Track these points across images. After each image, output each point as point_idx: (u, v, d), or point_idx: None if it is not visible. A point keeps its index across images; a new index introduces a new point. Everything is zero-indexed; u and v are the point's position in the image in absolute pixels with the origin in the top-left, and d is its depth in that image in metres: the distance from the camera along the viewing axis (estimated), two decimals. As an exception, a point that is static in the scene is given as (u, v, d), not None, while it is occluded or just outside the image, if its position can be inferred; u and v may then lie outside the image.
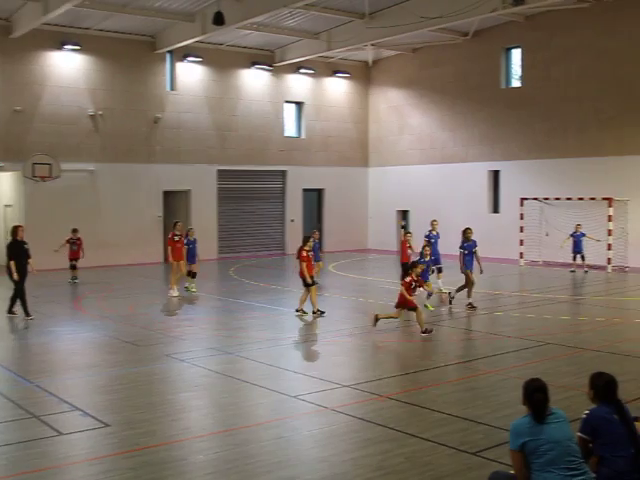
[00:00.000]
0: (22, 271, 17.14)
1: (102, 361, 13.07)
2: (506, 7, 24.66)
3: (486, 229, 31.43)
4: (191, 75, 31.95)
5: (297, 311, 17.79)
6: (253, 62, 33.57)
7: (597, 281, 24.43)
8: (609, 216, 26.82)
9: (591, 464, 6.16)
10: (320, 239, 27.99)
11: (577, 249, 26.47)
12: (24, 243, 17.41)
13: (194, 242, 22.15)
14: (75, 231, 24.45)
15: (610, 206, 26.85)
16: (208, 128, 32.44)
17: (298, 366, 12.69)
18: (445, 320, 17.25)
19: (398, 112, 36.26)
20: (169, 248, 21.43)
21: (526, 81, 30.84)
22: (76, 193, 28.65)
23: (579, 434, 6.25)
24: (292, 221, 35.02)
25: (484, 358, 13.06)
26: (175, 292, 20.94)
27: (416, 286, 15.64)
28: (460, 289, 18.99)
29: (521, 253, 29.46)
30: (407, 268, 17.04)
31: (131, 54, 30.14)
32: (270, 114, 34.36)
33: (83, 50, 28.97)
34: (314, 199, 36.35)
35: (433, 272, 20.87)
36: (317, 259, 23.25)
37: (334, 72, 36.17)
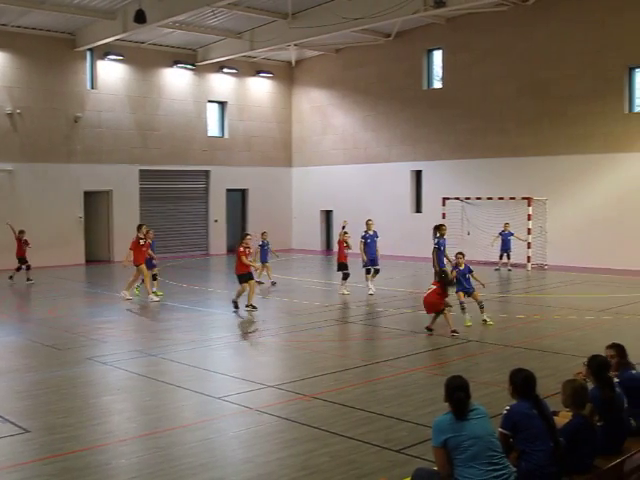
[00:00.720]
0: None
1: (21, 365, 12.79)
2: (427, 9, 24.96)
3: (409, 229, 31.88)
4: (112, 73, 31.51)
5: (247, 307, 18.05)
6: (175, 61, 33.29)
7: (517, 279, 24.92)
8: (528, 215, 27.39)
9: (512, 459, 6.28)
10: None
11: (505, 248, 26.99)
12: None
13: (153, 244, 21.58)
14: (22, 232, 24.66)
15: (529, 205, 27.42)
16: (130, 127, 32.05)
17: (223, 367, 12.62)
18: (369, 319, 17.36)
19: (321, 112, 36.38)
20: (131, 252, 20.24)
21: (447, 82, 31.28)
22: (-7, 193, 28.04)
23: (500, 429, 6.35)
24: (216, 221, 34.85)
25: (407, 356, 13.19)
26: (155, 297, 20.11)
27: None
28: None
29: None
30: (442, 277, 15.77)
31: (50, 52, 29.58)
32: (193, 114, 34.13)
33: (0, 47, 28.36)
34: (238, 199, 36.23)
35: (369, 273, 21.03)
36: (264, 260, 23.08)
37: (257, 72, 36.10)
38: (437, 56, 31.95)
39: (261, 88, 36.67)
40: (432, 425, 6.21)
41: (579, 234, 27.05)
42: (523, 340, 14.42)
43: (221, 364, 12.96)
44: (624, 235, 26.00)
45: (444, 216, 29.82)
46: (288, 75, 37.53)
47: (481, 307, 16.23)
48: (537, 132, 28.26)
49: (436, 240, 19.93)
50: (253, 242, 19.82)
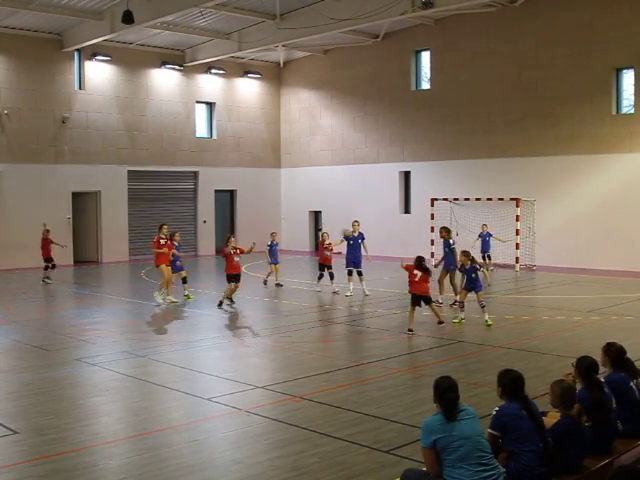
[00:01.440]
0: None
1: (10, 367, 12.74)
2: (415, 10, 25.01)
3: (397, 229, 31.94)
4: (100, 74, 31.43)
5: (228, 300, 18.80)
6: (163, 62, 33.23)
7: (506, 279, 24.96)
8: (517, 216, 27.47)
9: (500, 459, 6.29)
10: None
11: (484, 249, 27.02)
12: None
13: (178, 247, 20.87)
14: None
15: (517, 206, 27.49)
16: (118, 128, 31.98)
17: (211, 368, 12.60)
18: (357, 320, 17.37)
19: (310, 113, 36.39)
20: (161, 252, 19.65)
21: (435, 83, 31.34)
22: (-19, 194, 27.91)
23: (489, 430, 6.37)
24: (204, 222, 34.80)
25: (396, 357, 13.20)
26: (174, 299, 19.64)
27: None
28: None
29: (432, 253, 29.84)
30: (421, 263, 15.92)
31: (38, 52, 29.48)
32: (181, 114, 34.08)
33: (-14, 48, 28.29)
34: (226, 200, 36.19)
35: (351, 274, 21.08)
36: (275, 262, 22.94)
37: (245, 73, 36.08)
38: (425, 57, 32.01)
39: (249, 89, 36.65)
40: (422, 426, 6.22)
41: (567, 235, 27.14)
42: (512, 341, 14.45)
43: (210, 365, 12.94)
44: (612, 236, 26.09)
45: (433, 217, 29.87)
46: (276, 76, 37.52)
47: (482, 307, 16.32)
48: (525, 133, 28.35)
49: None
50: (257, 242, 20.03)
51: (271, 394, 10.71)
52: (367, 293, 20.83)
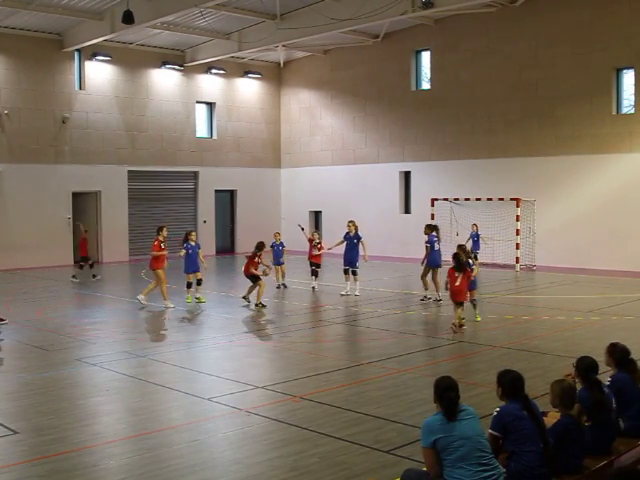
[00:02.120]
0: None
1: (10, 367, 12.74)
2: (416, 10, 25.00)
3: (398, 229, 31.94)
4: (100, 74, 31.42)
5: (256, 305, 18.69)
6: (163, 62, 33.23)
7: (506, 280, 24.96)
8: (517, 216, 27.47)
9: (501, 459, 6.29)
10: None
11: (473, 249, 27.14)
12: None
13: (197, 247, 20.12)
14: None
15: (518, 206, 27.50)
16: (118, 128, 31.98)
17: (211, 368, 12.60)
18: (357, 320, 17.37)
19: (310, 113, 36.39)
20: (153, 255, 19.10)
21: (435, 83, 31.33)
22: (-19, 194, 27.93)
23: (490, 431, 6.37)
24: (204, 222, 34.78)
25: (396, 357, 13.20)
26: (170, 303, 19.02)
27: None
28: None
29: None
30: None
31: (38, 52, 29.48)
32: (181, 114, 34.08)
33: (-14, 48, 28.29)
34: (226, 200, 36.19)
35: (347, 273, 21.11)
36: (278, 263, 22.82)
37: (245, 73, 36.07)
38: (425, 57, 32.00)
39: (249, 89, 36.65)
40: (422, 426, 6.21)
41: (567, 235, 27.14)
42: (512, 341, 14.45)
43: (210, 365, 12.94)
44: (612, 236, 26.09)
45: (433, 217, 29.88)
46: (276, 76, 37.51)
47: (474, 305, 16.46)
48: (525, 133, 28.35)
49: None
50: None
51: (271, 394, 10.71)
52: (357, 294, 20.75)
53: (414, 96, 32.15)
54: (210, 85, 35.08)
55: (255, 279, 19.02)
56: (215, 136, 35.48)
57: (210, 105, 35.48)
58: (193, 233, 20.55)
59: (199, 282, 20.09)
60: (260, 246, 19.25)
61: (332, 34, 29.20)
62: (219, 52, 32.29)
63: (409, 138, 32.19)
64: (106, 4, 26.45)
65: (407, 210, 32.75)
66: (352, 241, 21.39)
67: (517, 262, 27.40)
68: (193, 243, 20.00)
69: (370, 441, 8.55)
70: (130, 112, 32.35)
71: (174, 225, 34.08)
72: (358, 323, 16.86)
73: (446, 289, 16.09)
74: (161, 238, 19.14)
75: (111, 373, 12.05)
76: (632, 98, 26.22)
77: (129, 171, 32.24)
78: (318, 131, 36.01)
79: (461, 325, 15.42)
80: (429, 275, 19.90)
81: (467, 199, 29.42)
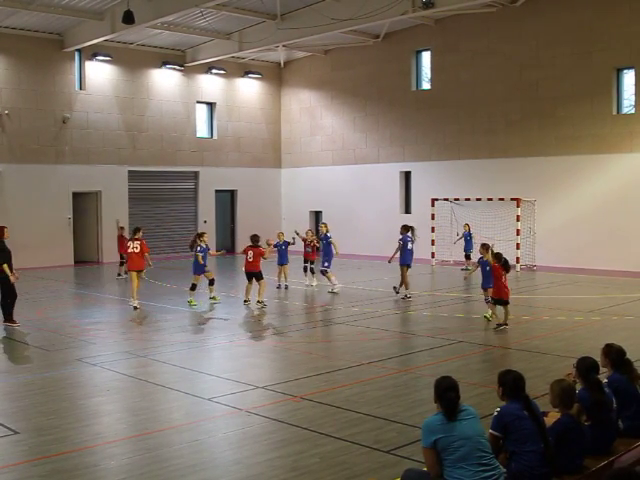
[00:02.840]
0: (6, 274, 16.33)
1: (10, 367, 12.76)
2: (416, 10, 25.01)
3: (398, 229, 31.80)
4: (100, 74, 31.42)
5: (258, 302, 18.98)
6: (164, 62, 33.23)
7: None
8: (517, 216, 27.46)
9: (501, 459, 6.29)
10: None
11: (466, 248, 27.26)
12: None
13: (207, 249, 19.97)
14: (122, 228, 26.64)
15: (518, 206, 27.48)
16: (118, 128, 31.98)
17: (212, 368, 12.61)
18: (357, 320, 17.36)
19: (310, 113, 36.39)
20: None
21: (436, 83, 31.33)
22: (-19, 194, 27.93)
23: (491, 431, 6.37)
24: (205, 222, 34.78)
25: (397, 357, 13.21)
26: (136, 302, 18.86)
27: None
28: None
29: (433, 253, 29.91)
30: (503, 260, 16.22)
31: (38, 52, 29.48)
32: (181, 114, 34.08)
33: (-13, 48, 28.30)
34: (227, 200, 36.19)
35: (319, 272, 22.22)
36: (282, 262, 22.76)
37: (246, 73, 36.07)
38: (426, 57, 31.99)
39: (250, 89, 36.65)
40: (422, 426, 6.22)
41: (568, 235, 27.14)
42: (512, 341, 14.46)
43: (210, 365, 12.95)
44: (612, 236, 26.09)
45: (433, 217, 29.90)
46: (277, 76, 37.52)
47: (487, 302, 16.79)
48: (525, 133, 28.35)
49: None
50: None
51: (271, 394, 10.72)
52: (314, 286, 22.39)
53: (414, 96, 32.14)
54: (210, 85, 35.09)
55: (258, 277, 19.15)
56: (215, 136, 35.48)
57: (210, 105, 35.48)
58: (205, 235, 20.44)
59: (212, 282, 20.05)
60: (255, 239, 19.60)
61: (332, 34, 29.21)
62: (219, 52, 32.29)
63: (409, 138, 32.19)
64: (106, 4, 26.46)
65: (407, 210, 32.73)
66: (322, 242, 22.68)
67: (517, 262, 27.37)
68: (204, 245, 19.84)
69: (370, 441, 8.55)
70: (130, 112, 32.35)
71: (175, 225, 34.24)
72: (358, 323, 16.85)
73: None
74: (137, 237, 19.57)
75: (111, 373, 12.05)
76: (632, 98, 26.22)
77: (129, 171, 32.25)
78: (318, 131, 36.01)
79: (506, 324, 15.56)
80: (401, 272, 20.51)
81: (467, 199, 29.41)
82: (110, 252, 30.21)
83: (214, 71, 34.68)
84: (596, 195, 26.61)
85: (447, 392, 6.16)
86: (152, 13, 25.40)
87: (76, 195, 30.79)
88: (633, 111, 26.20)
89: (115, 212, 31.35)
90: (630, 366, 7.74)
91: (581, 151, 26.93)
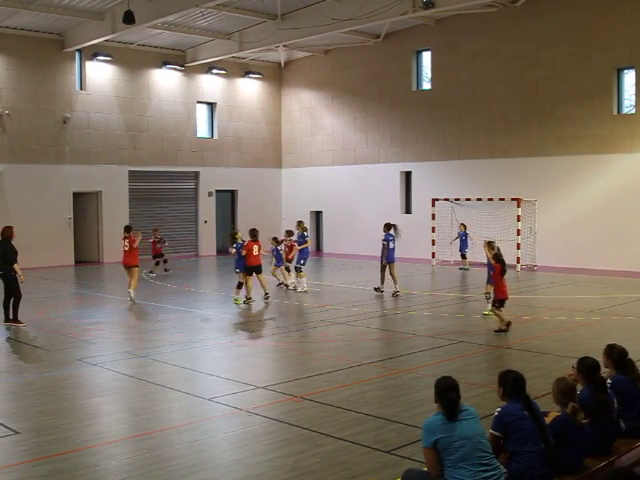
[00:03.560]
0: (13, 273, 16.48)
1: (11, 367, 12.76)
2: (416, 10, 25.01)
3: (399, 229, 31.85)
4: (101, 74, 31.43)
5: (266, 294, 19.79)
6: (164, 62, 33.23)
7: (507, 279, 24.85)
8: (518, 216, 27.44)
9: (501, 459, 6.29)
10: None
11: (461, 247, 27.33)
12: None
13: (241, 245, 20.05)
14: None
15: (519, 206, 27.47)
16: (119, 128, 31.99)
17: (213, 368, 12.60)
18: (358, 320, 17.36)
19: (311, 113, 36.38)
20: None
21: (436, 83, 31.32)
22: (-18, 195, 27.92)
23: (491, 431, 6.37)
24: (205, 222, 34.80)
25: (397, 357, 13.21)
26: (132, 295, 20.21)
27: None
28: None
29: (433, 253, 29.91)
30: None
31: (39, 52, 29.49)
32: (182, 114, 34.08)
33: (-13, 48, 28.30)
34: (227, 200, 36.20)
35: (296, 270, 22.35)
36: (279, 263, 22.86)
37: (246, 73, 36.07)
38: (426, 57, 31.98)
39: (250, 89, 36.65)
40: (422, 426, 6.22)
41: (568, 235, 27.13)
42: (513, 341, 14.45)
43: (211, 365, 12.94)
44: (613, 236, 26.08)
45: (434, 217, 29.91)
46: (277, 76, 37.52)
47: (488, 299, 16.98)
48: (526, 133, 28.34)
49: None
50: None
51: (272, 394, 10.72)
52: (289, 285, 22.49)
53: (415, 96, 32.14)
54: (211, 85, 35.09)
55: (259, 270, 19.78)
56: (216, 136, 35.49)
57: (211, 105, 35.49)
58: (239, 232, 20.96)
59: (240, 285, 20.08)
60: (255, 233, 20.12)
61: (333, 34, 29.22)
62: (220, 52, 32.29)
63: (410, 138, 32.18)
64: (107, 4, 26.46)
65: (408, 210, 32.74)
66: (299, 241, 23.02)
67: (518, 262, 27.36)
68: (240, 241, 20.21)
69: (371, 441, 8.55)
70: (131, 112, 32.35)
71: (175, 225, 34.23)
72: (358, 323, 16.86)
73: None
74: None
75: (112, 373, 12.06)
76: (633, 98, 26.21)
77: (130, 171, 32.25)
78: (319, 131, 36.01)
79: (509, 323, 15.32)
80: (387, 270, 21.29)
81: (468, 199, 29.40)
82: (111, 252, 30.20)
83: (214, 71, 34.69)
84: (596, 195, 26.61)
85: (447, 392, 6.16)
86: (152, 13, 25.40)
87: (77, 195, 30.79)
88: (633, 111, 26.19)
89: (115, 212, 31.34)
90: (632, 366, 7.74)
91: (581, 151, 26.92)
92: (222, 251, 35.11)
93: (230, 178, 35.60)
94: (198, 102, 34.85)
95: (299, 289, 21.98)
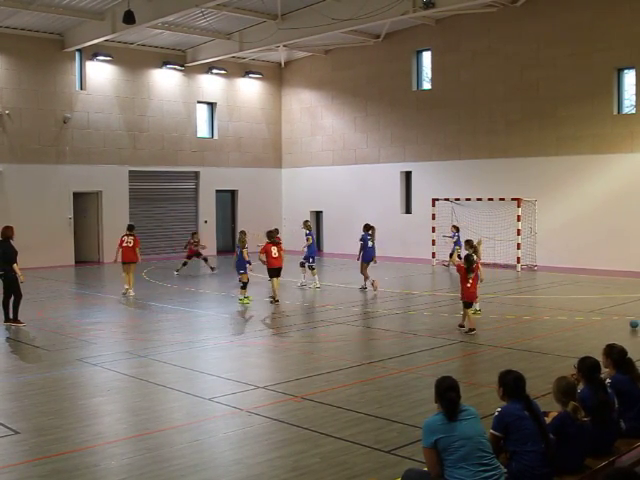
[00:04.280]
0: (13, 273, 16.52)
1: (11, 367, 12.75)
2: (416, 10, 25.01)
3: (398, 229, 31.90)
4: (101, 74, 31.42)
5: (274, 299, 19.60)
6: (164, 62, 33.23)
7: (507, 279, 24.94)
8: (518, 216, 27.44)
9: (502, 459, 6.29)
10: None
11: (453, 248, 27.41)
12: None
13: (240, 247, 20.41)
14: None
15: (519, 206, 27.47)
16: (119, 128, 31.98)
17: (213, 368, 12.59)
18: (358, 320, 17.36)
19: (311, 113, 36.38)
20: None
21: (436, 83, 31.31)
22: (-18, 195, 27.92)
23: (491, 431, 6.37)
24: (205, 222, 34.79)
25: (397, 357, 13.20)
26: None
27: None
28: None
29: (433, 253, 29.91)
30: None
31: (39, 52, 29.48)
32: (182, 114, 34.08)
33: (-13, 48, 28.30)
34: (227, 200, 36.20)
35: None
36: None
37: (246, 73, 36.07)
38: (426, 57, 31.96)
39: (250, 89, 36.65)
40: (423, 426, 6.23)
41: (569, 235, 27.12)
42: (513, 341, 14.45)
43: (211, 365, 12.93)
44: (613, 236, 26.07)
45: (434, 217, 29.90)
46: (277, 76, 37.52)
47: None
48: (526, 133, 28.33)
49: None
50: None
51: (272, 394, 10.71)
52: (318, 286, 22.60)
53: (415, 96, 32.14)
54: (211, 85, 35.09)
55: (279, 273, 19.88)
56: (216, 136, 35.48)
57: (211, 105, 35.48)
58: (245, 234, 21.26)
59: (245, 285, 20.15)
60: (273, 234, 20.19)
61: (333, 34, 29.21)
62: (220, 52, 32.29)
63: (410, 138, 32.18)
64: (107, 4, 26.46)
65: (408, 210, 32.73)
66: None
67: (518, 262, 27.38)
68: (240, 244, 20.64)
69: (371, 441, 8.55)
70: (131, 112, 32.35)
71: (175, 225, 34.23)
72: (359, 323, 16.86)
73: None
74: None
75: (112, 373, 12.06)
76: (633, 98, 26.20)
77: (130, 171, 32.24)
78: (319, 131, 36.01)
79: (471, 329, 15.26)
80: (367, 268, 21.91)
81: (468, 199, 29.40)
82: (111, 252, 30.15)
83: (215, 71, 34.68)
84: (597, 195, 26.60)
85: (447, 392, 6.17)
86: (152, 13, 25.40)
87: (77, 195, 30.78)
88: (634, 111, 26.18)
89: (116, 212, 31.32)
90: (632, 366, 7.74)
91: (582, 151, 26.91)
92: (222, 251, 35.12)
93: (230, 178, 35.60)
94: (198, 102, 34.85)
95: (311, 286, 22.33)
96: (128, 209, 32.10)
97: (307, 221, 24.49)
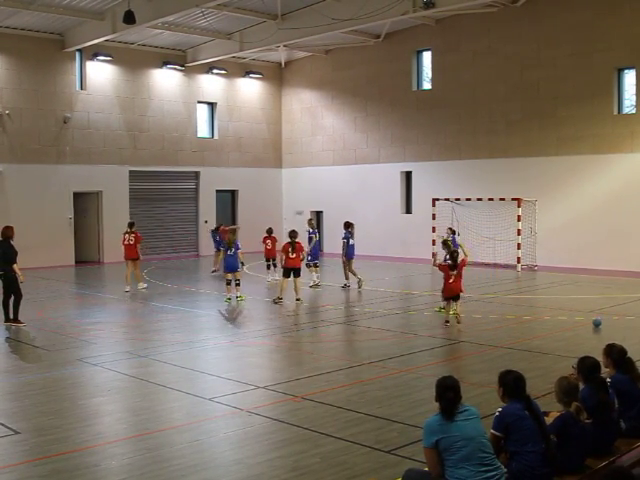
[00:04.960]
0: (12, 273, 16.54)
1: (11, 367, 12.75)
2: (417, 10, 25.01)
3: (399, 229, 31.92)
4: (101, 74, 31.42)
5: (297, 300, 19.69)
6: (165, 62, 33.23)
7: (507, 279, 24.94)
8: (518, 216, 27.44)
9: (502, 459, 6.29)
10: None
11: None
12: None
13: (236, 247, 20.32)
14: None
15: (519, 206, 27.47)
16: (119, 128, 31.98)
17: (213, 368, 12.59)
18: (358, 320, 17.36)
19: (311, 113, 36.38)
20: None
21: (436, 83, 31.31)
22: (-18, 195, 27.92)
23: (492, 431, 6.37)
24: (206, 222, 34.77)
25: (397, 357, 13.20)
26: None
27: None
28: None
29: (433, 253, 29.87)
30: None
31: (39, 52, 29.48)
32: (182, 114, 34.08)
33: (-13, 48, 28.30)
34: (227, 200, 36.20)
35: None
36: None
37: (247, 73, 36.07)
38: (426, 57, 31.96)
39: (251, 89, 36.65)
40: (423, 426, 6.23)
41: (569, 235, 27.12)
42: (513, 341, 14.45)
43: (211, 365, 12.93)
44: (613, 236, 26.06)
45: (434, 217, 29.89)
46: (278, 76, 37.52)
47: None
48: (526, 133, 28.33)
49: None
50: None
51: (272, 394, 10.71)
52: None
53: (415, 96, 32.13)
54: (211, 85, 35.09)
55: (298, 273, 19.98)
56: (216, 136, 35.49)
57: (211, 105, 35.49)
58: (234, 229, 22.37)
59: (239, 282, 20.25)
60: (294, 235, 20.35)
61: (333, 34, 29.21)
62: (220, 52, 32.29)
63: (410, 138, 32.18)
64: (107, 4, 26.46)
65: (408, 210, 32.73)
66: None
67: (518, 262, 27.38)
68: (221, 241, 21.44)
69: (371, 441, 8.55)
70: (131, 112, 32.35)
71: (175, 225, 34.24)
72: (359, 323, 16.86)
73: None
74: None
75: (112, 373, 12.06)
76: (633, 98, 26.20)
77: (130, 171, 32.24)
78: (319, 131, 36.01)
79: (458, 322, 15.82)
80: (348, 265, 22.50)
81: (468, 199, 29.40)
82: (111, 252, 30.21)
83: (215, 71, 34.69)
84: (597, 195, 26.59)
85: (447, 392, 6.17)
86: (153, 13, 25.40)
87: (77, 195, 30.78)
88: (634, 111, 26.18)
89: (116, 212, 31.31)
90: (632, 366, 7.74)
91: (582, 151, 26.91)
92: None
93: (230, 178, 35.60)
94: (198, 102, 34.85)
95: (311, 283, 22.55)
96: (128, 209, 32.09)
97: (311, 219, 24.80)
